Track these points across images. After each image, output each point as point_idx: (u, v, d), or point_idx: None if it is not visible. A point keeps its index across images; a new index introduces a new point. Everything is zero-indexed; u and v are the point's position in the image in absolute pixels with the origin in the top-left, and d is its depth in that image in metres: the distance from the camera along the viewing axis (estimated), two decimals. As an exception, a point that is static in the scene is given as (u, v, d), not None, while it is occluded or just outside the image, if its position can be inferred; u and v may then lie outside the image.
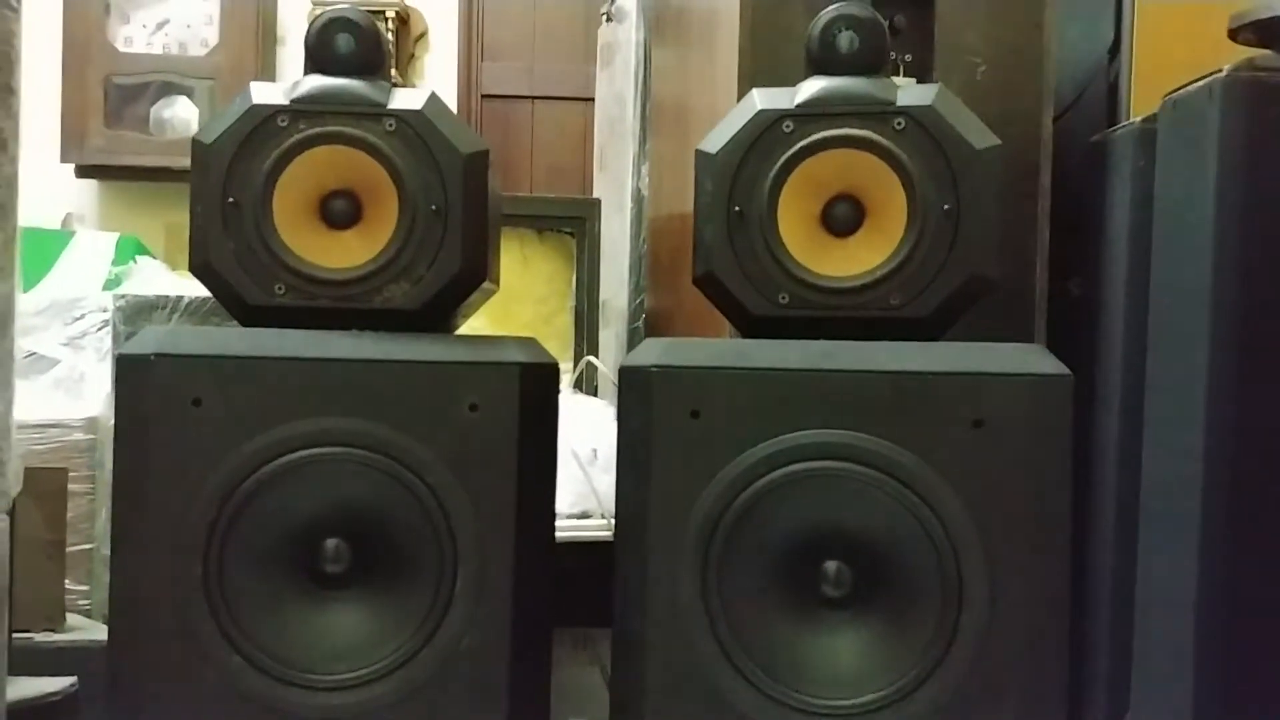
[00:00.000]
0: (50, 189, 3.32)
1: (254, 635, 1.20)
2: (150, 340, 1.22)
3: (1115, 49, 1.97)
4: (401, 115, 1.25)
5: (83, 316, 2.31)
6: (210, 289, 1.27)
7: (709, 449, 1.18)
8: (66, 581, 1.82)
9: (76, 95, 3.22)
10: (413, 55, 3.46)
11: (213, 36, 3.30)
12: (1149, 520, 1.62)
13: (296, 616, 1.21)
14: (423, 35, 3.50)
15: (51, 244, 2.78)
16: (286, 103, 1.26)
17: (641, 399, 1.21)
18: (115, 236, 2.84)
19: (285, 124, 1.25)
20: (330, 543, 1.21)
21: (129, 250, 2.77)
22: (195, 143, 1.26)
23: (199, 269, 1.26)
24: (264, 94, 1.26)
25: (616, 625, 1.24)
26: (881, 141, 1.23)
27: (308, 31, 1.28)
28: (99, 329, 2.30)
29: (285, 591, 1.21)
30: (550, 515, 1.32)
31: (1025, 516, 1.15)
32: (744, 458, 1.18)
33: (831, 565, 1.18)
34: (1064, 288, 1.87)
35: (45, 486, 1.76)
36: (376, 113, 1.26)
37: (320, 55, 1.28)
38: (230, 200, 1.25)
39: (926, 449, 1.16)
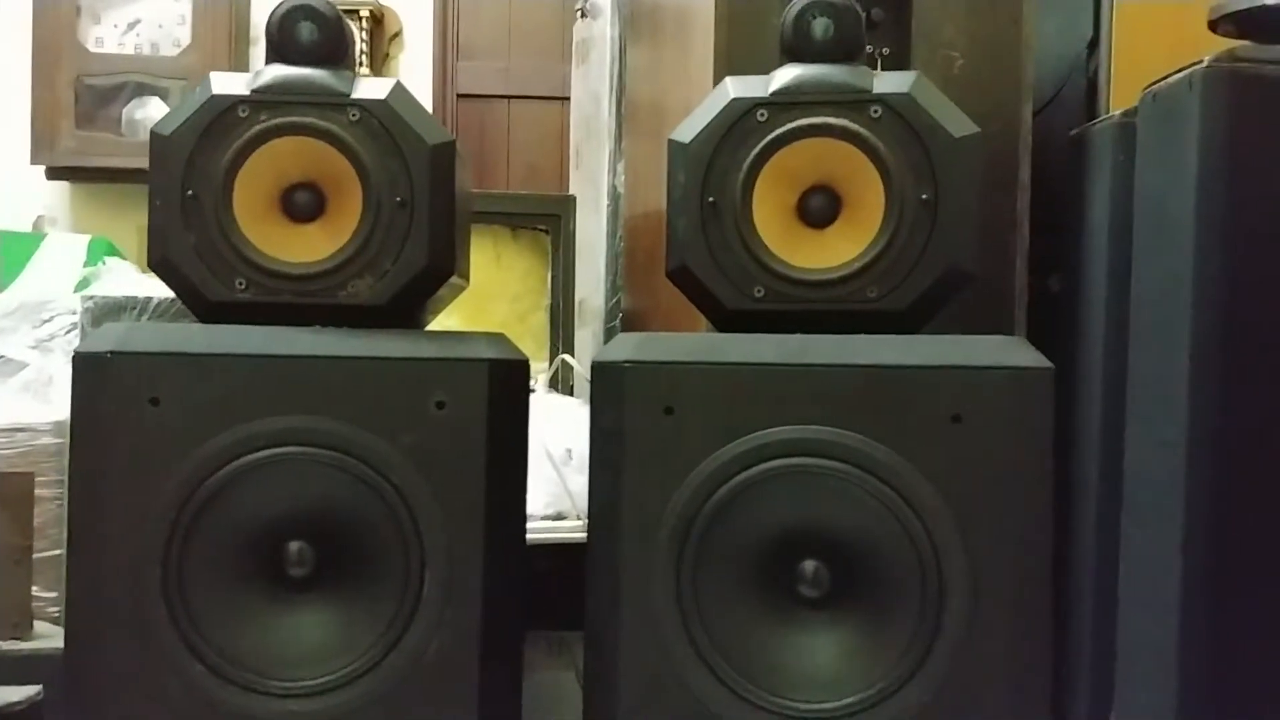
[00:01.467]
0: (21, 191, 3.31)
1: (216, 641, 1.17)
2: (108, 338, 1.19)
3: (1094, 43, 1.96)
4: (365, 105, 1.22)
5: (51, 319, 2.28)
6: (169, 285, 1.24)
7: (682, 446, 1.16)
8: (34, 588, 1.78)
9: (47, 96, 3.18)
10: (387, 55, 3.43)
11: (185, 36, 3.27)
12: (1131, 515, 1.61)
13: (259, 621, 1.18)
14: (397, 35, 3.47)
15: (22, 246, 2.75)
16: (247, 93, 1.23)
17: (614, 395, 1.18)
18: (87, 239, 2.81)
19: (246, 114, 1.22)
20: (293, 545, 1.18)
21: (100, 252, 2.74)
22: (153, 135, 1.23)
23: (157, 264, 1.23)
24: (224, 84, 1.23)
25: (589, 627, 1.21)
26: (858, 130, 1.20)
27: (269, 20, 1.25)
28: (68, 331, 2.28)
29: (248, 596, 1.18)
30: (521, 515, 1.29)
31: (1006, 512, 1.13)
32: (718, 455, 1.15)
33: (809, 565, 1.15)
34: (1043, 284, 1.85)
35: (12, 491, 1.72)
36: (340, 102, 1.22)
37: (282, 44, 1.25)
38: (189, 193, 1.22)
39: (905, 444, 1.13)
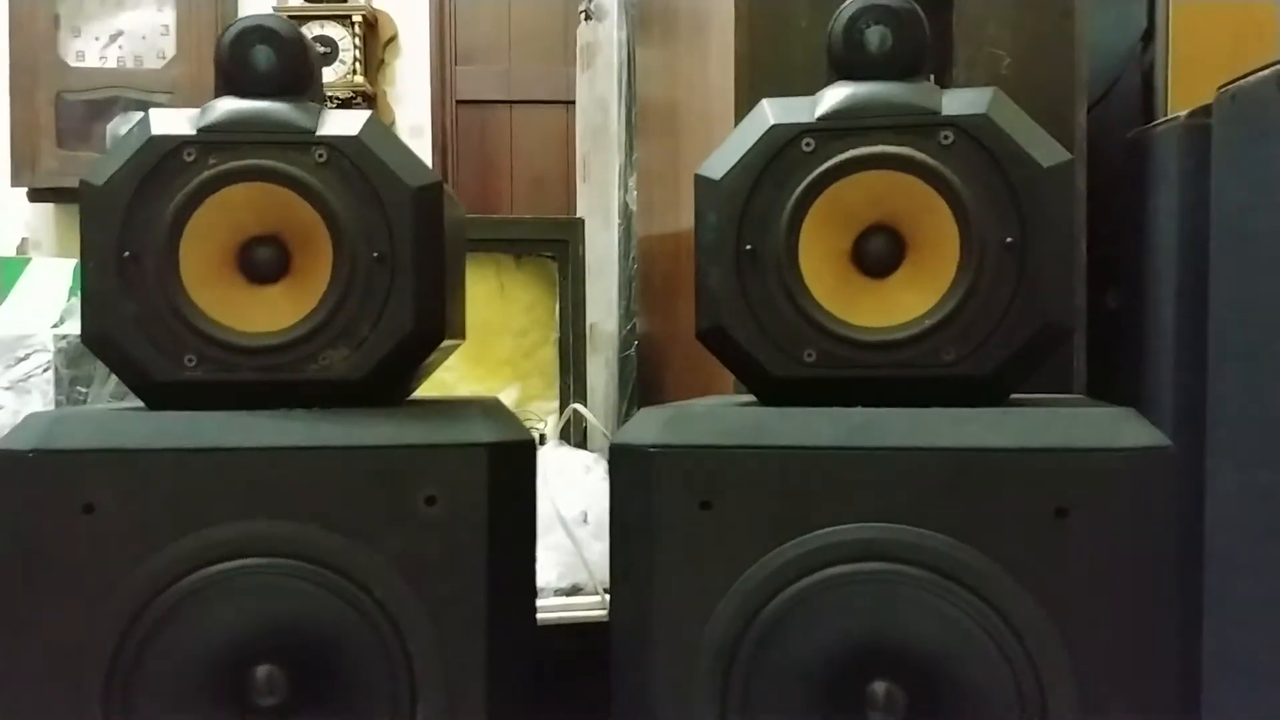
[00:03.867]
0: (2, 215, 3.29)
1: (172, 790, 0.99)
2: (30, 432, 1.00)
3: (1149, 35, 1.83)
4: (334, 143, 1.03)
5: (27, 356, 2.21)
6: (107, 364, 1.05)
7: (725, 549, 0.97)
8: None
9: (26, 115, 3.14)
10: (382, 61, 3.35)
11: (169, 48, 3.23)
12: (1219, 565, 1.47)
13: (224, 764, 1.00)
14: (392, 39, 3.38)
15: (6, 272, 2.64)
16: (193, 132, 1.04)
17: (638, 485, 0.99)
18: (73, 263, 2.71)
19: (192, 158, 1.03)
20: (261, 671, 0.99)
21: (86, 277, 2.62)
22: (83, 184, 1.04)
23: (93, 339, 1.04)
24: (166, 123, 1.04)
25: (617, 762, 1.03)
26: (925, 160, 1.00)
27: (218, 46, 1.06)
28: (45, 370, 2.18)
29: (208, 734, 1.00)
30: (530, 622, 1.11)
31: (1122, 626, 0.93)
32: (769, 559, 0.96)
33: (879, 686, 0.95)
34: (1098, 300, 1.73)
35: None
36: (304, 141, 1.04)
37: (234, 73, 1.06)
38: (128, 254, 1.03)
39: (997, 545, 0.94)
